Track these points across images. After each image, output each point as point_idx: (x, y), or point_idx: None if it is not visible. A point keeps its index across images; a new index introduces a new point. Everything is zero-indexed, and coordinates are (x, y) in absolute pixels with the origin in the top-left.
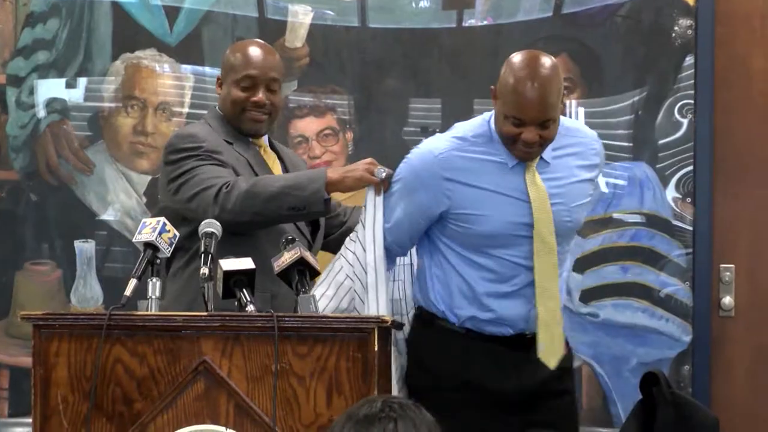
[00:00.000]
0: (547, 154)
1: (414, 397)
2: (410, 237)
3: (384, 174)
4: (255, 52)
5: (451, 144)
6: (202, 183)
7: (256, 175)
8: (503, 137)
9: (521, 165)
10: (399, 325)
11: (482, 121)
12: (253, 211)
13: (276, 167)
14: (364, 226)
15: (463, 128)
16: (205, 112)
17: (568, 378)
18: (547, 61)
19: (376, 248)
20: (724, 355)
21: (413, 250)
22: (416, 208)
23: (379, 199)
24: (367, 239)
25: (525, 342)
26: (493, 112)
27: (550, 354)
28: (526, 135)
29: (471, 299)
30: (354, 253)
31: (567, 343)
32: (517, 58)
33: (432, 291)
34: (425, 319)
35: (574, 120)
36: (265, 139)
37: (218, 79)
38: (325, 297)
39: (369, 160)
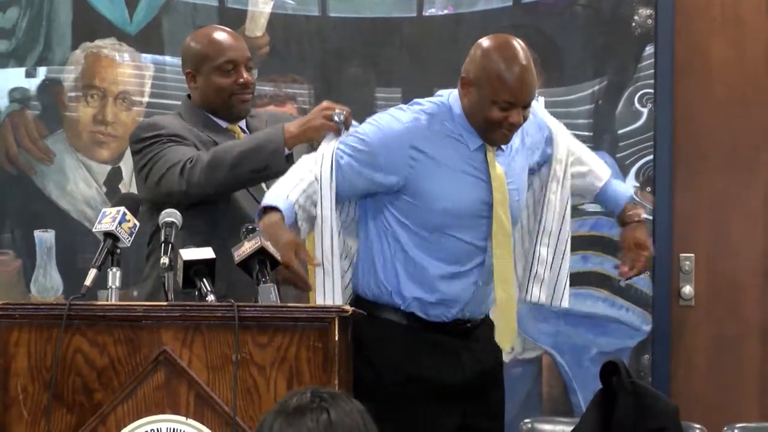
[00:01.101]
0: None
1: (356, 390)
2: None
3: (343, 116)
4: (226, 36)
5: (417, 116)
6: (167, 163)
7: None
8: (487, 123)
9: (482, 147)
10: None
11: (441, 101)
12: (218, 182)
13: None
14: (319, 179)
15: (424, 104)
16: (164, 101)
17: (502, 372)
18: (519, 43)
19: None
20: (684, 345)
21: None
22: (371, 169)
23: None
24: (324, 195)
25: (465, 330)
26: (451, 92)
27: (504, 336)
28: (514, 117)
29: (420, 281)
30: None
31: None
32: (491, 43)
33: (380, 272)
34: (361, 305)
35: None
36: (242, 124)
37: (188, 73)
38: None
39: (324, 104)
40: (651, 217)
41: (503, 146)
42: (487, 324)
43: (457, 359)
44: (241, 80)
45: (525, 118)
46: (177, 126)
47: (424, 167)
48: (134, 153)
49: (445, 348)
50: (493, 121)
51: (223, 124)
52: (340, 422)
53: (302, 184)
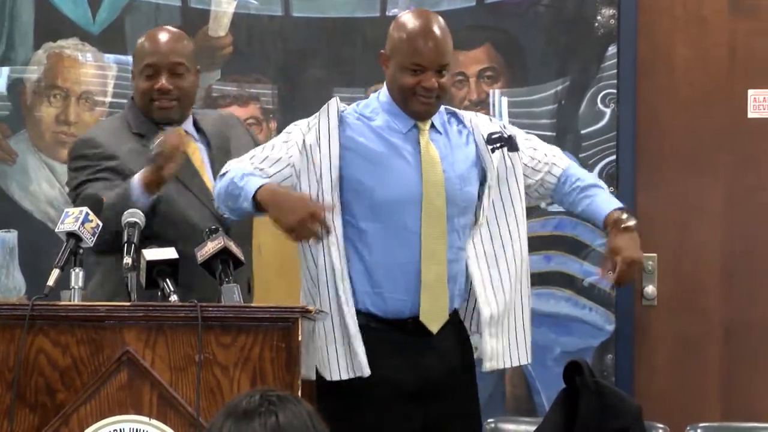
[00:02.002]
0: (438, 123)
1: (319, 392)
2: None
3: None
4: (155, 39)
5: (352, 108)
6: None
7: None
8: (402, 92)
9: (414, 131)
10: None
11: (373, 97)
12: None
13: (196, 156)
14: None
15: (353, 106)
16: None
17: (473, 371)
18: (431, 13)
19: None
20: (647, 344)
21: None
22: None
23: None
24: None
25: (425, 329)
26: (383, 88)
27: (431, 318)
28: (426, 82)
29: (367, 275)
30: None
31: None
32: (405, 15)
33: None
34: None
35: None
36: (188, 126)
37: (132, 72)
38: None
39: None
40: None
41: (439, 128)
42: (456, 323)
43: (419, 359)
44: (157, 86)
45: (442, 86)
46: (115, 144)
47: (354, 154)
48: (69, 168)
49: (406, 348)
50: (406, 87)
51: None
52: (289, 425)
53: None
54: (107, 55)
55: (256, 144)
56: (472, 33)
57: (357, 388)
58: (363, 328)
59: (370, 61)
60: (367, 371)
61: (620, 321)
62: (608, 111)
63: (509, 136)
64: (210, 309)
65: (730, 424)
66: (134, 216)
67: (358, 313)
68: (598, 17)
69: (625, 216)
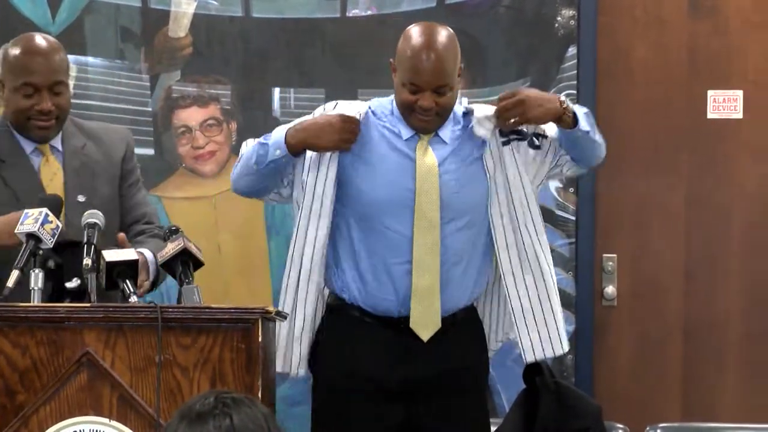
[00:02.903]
0: (446, 134)
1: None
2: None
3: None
4: (35, 55)
5: (375, 102)
6: None
7: (18, 201)
8: (402, 106)
9: (416, 137)
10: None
11: (389, 98)
12: None
13: (56, 180)
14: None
15: (375, 102)
16: (86, 101)
17: (474, 376)
18: (443, 30)
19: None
20: (607, 345)
21: None
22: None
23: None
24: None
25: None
26: None
27: (421, 326)
28: (422, 101)
29: (360, 273)
30: None
31: (481, 342)
32: (413, 28)
33: (331, 265)
34: (327, 304)
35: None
36: (56, 142)
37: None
38: None
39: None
40: (574, 218)
41: (444, 138)
42: (460, 326)
43: (407, 359)
44: (39, 107)
45: (442, 105)
46: None
47: (349, 162)
48: None
49: (394, 347)
50: (405, 104)
51: (30, 145)
52: (243, 427)
53: None
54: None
55: (134, 170)
56: None
57: (341, 381)
58: (356, 322)
59: (330, 61)
60: (295, 371)
61: (580, 321)
62: None
63: (524, 133)
64: (170, 310)
65: (690, 424)
66: (94, 217)
67: (352, 306)
68: (558, 18)
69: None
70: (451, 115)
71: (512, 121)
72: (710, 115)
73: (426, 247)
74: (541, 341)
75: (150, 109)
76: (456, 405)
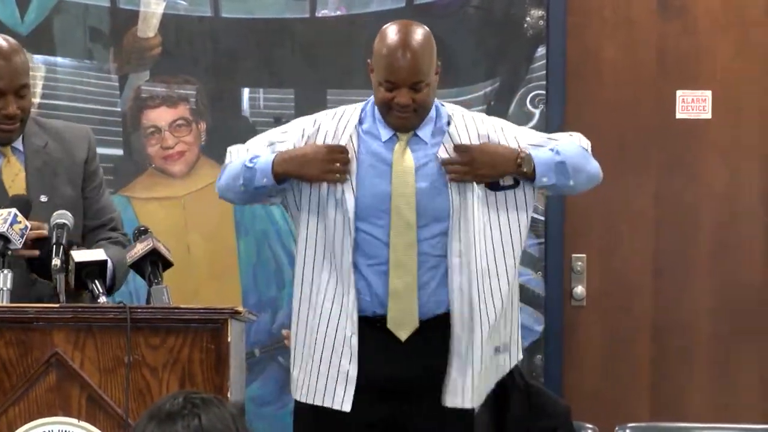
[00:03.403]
0: (425, 133)
1: None
2: None
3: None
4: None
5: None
6: None
7: None
8: (380, 105)
9: (394, 139)
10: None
11: (359, 104)
12: None
13: (18, 180)
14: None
15: (350, 107)
16: (55, 102)
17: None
18: (419, 27)
19: None
20: (576, 345)
21: None
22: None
23: None
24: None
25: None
26: None
27: (398, 326)
28: (399, 98)
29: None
30: None
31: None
32: (389, 27)
33: None
34: None
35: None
36: (18, 142)
37: None
38: None
39: None
40: (543, 218)
41: (425, 138)
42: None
43: (388, 358)
44: (3, 112)
45: (419, 101)
46: None
47: None
48: None
49: (373, 345)
50: (383, 102)
51: None
52: (212, 427)
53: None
54: (36, 56)
55: (98, 171)
56: None
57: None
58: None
59: (299, 61)
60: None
61: (549, 321)
62: (537, 112)
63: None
64: (139, 310)
65: (659, 423)
66: (63, 217)
67: None
68: (527, 18)
69: (524, 155)
70: (433, 114)
71: (456, 175)
72: (679, 115)
73: (402, 248)
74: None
75: (119, 109)
76: (438, 403)
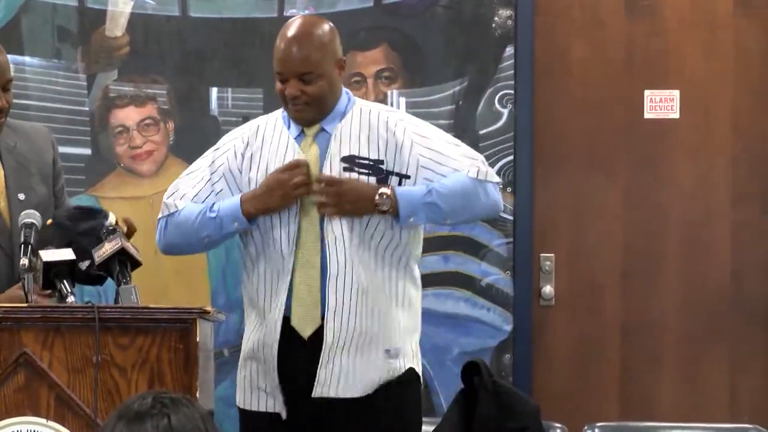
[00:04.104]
0: (333, 127)
1: None
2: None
3: None
4: None
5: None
6: None
7: None
8: (280, 98)
9: (302, 136)
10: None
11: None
12: None
13: None
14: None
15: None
16: (24, 101)
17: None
18: (317, 21)
19: None
20: (545, 344)
21: None
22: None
23: None
24: None
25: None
26: None
27: (303, 323)
28: (288, 89)
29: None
30: None
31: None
32: (293, 19)
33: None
34: None
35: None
36: None
37: None
38: None
39: None
40: (512, 218)
41: (334, 132)
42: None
43: (300, 357)
44: None
45: (310, 93)
46: None
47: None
48: None
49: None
50: (279, 94)
51: None
52: (181, 427)
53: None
54: None
55: (62, 171)
56: (369, 33)
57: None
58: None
59: (268, 61)
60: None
61: (518, 321)
62: (506, 111)
63: (378, 169)
64: (108, 310)
65: (628, 423)
66: (31, 217)
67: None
68: (496, 18)
69: (384, 196)
70: (343, 108)
71: (323, 209)
72: (647, 115)
73: (308, 246)
74: None
75: (87, 108)
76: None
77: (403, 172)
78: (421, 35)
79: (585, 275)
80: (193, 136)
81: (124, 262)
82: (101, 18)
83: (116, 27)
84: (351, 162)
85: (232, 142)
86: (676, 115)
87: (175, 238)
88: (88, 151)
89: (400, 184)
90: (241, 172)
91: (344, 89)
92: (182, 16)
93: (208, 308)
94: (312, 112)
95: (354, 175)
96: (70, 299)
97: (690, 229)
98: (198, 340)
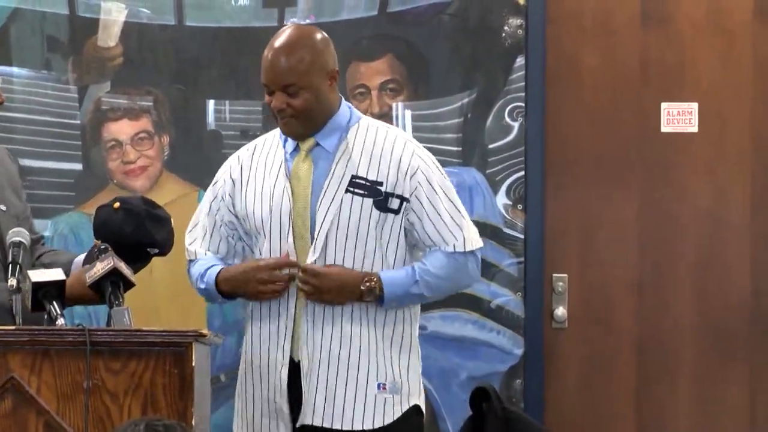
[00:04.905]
0: (329, 143)
1: None
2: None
3: None
4: None
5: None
6: None
7: None
8: (270, 113)
9: (296, 152)
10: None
11: None
12: None
13: None
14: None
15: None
16: (12, 114)
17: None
18: (304, 31)
19: None
20: (557, 368)
21: None
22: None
23: None
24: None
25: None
26: None
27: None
28: (274, 102)
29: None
30: None
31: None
32: (281, 30)
33: None
34: None
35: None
36: None
37: None
38: None
39: None
40: (522, 236)
41: (327, 147)
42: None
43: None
44: None
45: (296, 106)
46: None
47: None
48: None
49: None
50: (268, 107)
51: None
52: None
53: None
54: None
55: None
56: (373, 43)
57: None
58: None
59: None
60: None
61: (529, 344)
62: (516, 125)
63: (376, 191)
64: (99, 333)
65: None
66: (19, 235)
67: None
68: (505, 27)
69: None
70: (343, 122)
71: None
72: (664, 129)
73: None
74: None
75: (78, 122)
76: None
77: (405, 195)
78: (427, 45)
79: (599, 295)
80: (189, 151)
81: (116, 283)
82: (93, 27)
83: (109, 37)
84: (350, 183)
85: (226, 171)
86: (695, 129)
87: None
88: (79, 167)
89: (400, 206)
90: (232, 198)
91: (346, 104)
92: (178, 25)
93: (204, 331)
94: (299, 125)
95: (348, 197)
96: (60, 321)
97: (707, 246)
98: (194, 364)
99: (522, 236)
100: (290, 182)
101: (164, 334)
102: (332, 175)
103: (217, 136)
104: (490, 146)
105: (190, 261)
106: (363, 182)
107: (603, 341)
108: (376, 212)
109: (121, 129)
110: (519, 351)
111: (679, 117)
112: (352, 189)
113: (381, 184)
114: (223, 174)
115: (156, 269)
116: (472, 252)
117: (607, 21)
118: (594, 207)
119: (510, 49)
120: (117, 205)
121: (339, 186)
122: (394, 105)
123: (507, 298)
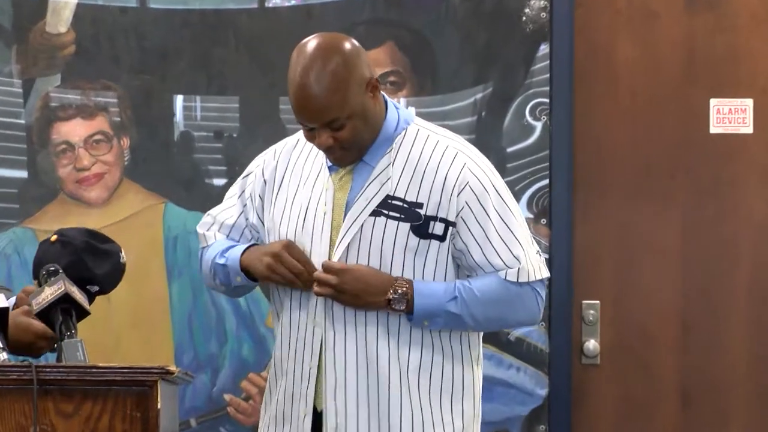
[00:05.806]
0: (373, 158)
1: None
2: None
3: None
4: None
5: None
6: None
7: None
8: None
9: (335, 167)
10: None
11: None
12: None
13: None
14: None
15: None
16: None
17: None
18: (324, 48)
19: None
20: (587, 411)
21: None
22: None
23: None
24: None
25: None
26: None
27: None
28: (318, 140)
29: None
30: None
31: None
32: (302, 47)
33: None
34: None
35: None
36: None
37: None
38: None
39: None
40: (547, 256)
41: (370, 162)
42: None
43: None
44: None
45: (344, 138)
46: None
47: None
48: None
49: None
50: (308, 141)
51: None
52: None
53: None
54: None
55: None
56: (371, 29)
57: None
58: None
59: (245, 64)
60: None
61: (555, 383)
62: (539, 125)
63: (414, 214)
64: (48, 370)
65: None
66: None
67: None
68: (526, 11)
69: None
70: (390, 133)
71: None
72: (713, 130)
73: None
74: None
75: (23, 121)
76: None
77: (451, 219)
78: (433, 32)
79: (636, 327)
80: (154, 156)
81: (68, 311)
82: (41, 11)
83: (59, 21)
84: (382, 204)
85: (259, 165)
86: (749, 130)
87: (203, 275)
88: (23, 174)
89: (446, 231)
90: (263, 200)
91: (393, 106)
92: (140, 8)
93: (172, 368)
94: (352, 155)
95: (371, 220)
96: (2, 356)
97: (763, 270)
98: (159, 406)
99: (546, 256)
100: (327, 203)
101: (124, 371)
102: (362, 194)
103: (186, 138)
104: (509, 150)
105: (203, 247)
106: (399, 204)
107: (641, 382)
108: (414, 239)
109: (73, 130)
110: (542, 391)
111: (732, 116)
112: (385, 211)
113: (421, 206)
114: (255, 168)
115: (115, 295)
116: (530, 284)
117: (646, 3)
118: (631, 223)
119: (532, 36)
120: (54, 237)
121: (365, 208)
122: (396, 101)
123: (528, 329)
